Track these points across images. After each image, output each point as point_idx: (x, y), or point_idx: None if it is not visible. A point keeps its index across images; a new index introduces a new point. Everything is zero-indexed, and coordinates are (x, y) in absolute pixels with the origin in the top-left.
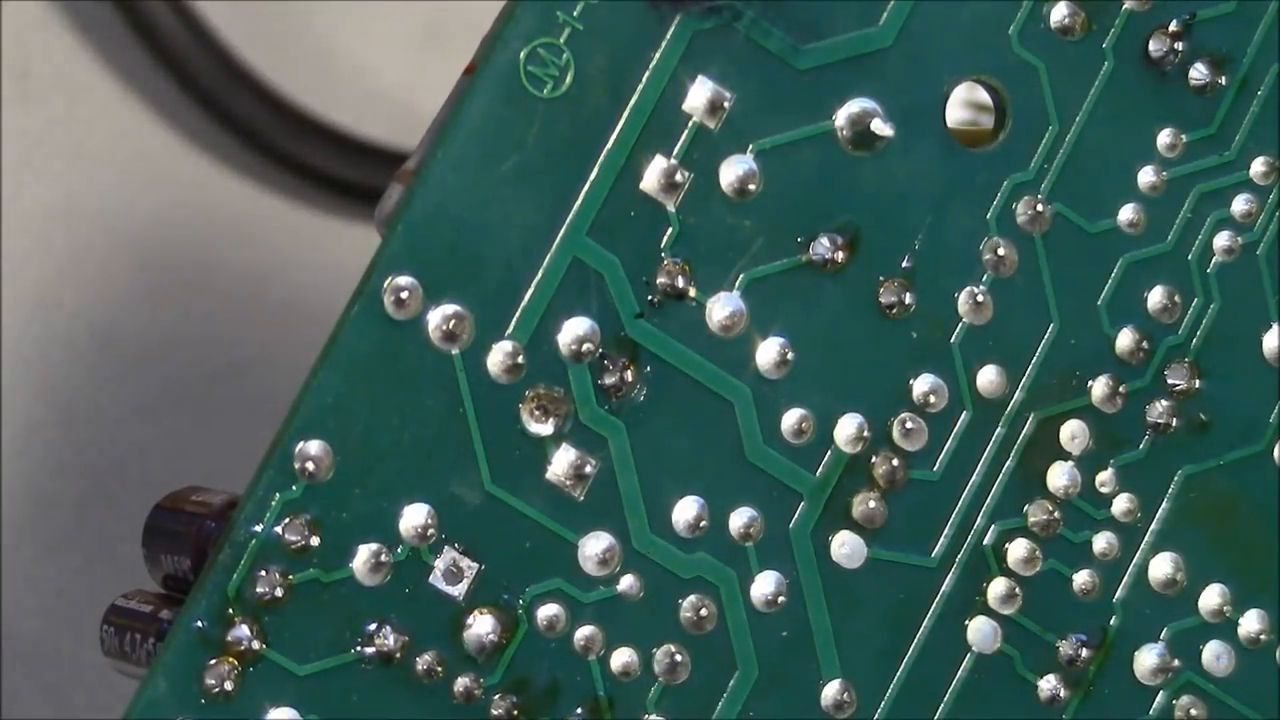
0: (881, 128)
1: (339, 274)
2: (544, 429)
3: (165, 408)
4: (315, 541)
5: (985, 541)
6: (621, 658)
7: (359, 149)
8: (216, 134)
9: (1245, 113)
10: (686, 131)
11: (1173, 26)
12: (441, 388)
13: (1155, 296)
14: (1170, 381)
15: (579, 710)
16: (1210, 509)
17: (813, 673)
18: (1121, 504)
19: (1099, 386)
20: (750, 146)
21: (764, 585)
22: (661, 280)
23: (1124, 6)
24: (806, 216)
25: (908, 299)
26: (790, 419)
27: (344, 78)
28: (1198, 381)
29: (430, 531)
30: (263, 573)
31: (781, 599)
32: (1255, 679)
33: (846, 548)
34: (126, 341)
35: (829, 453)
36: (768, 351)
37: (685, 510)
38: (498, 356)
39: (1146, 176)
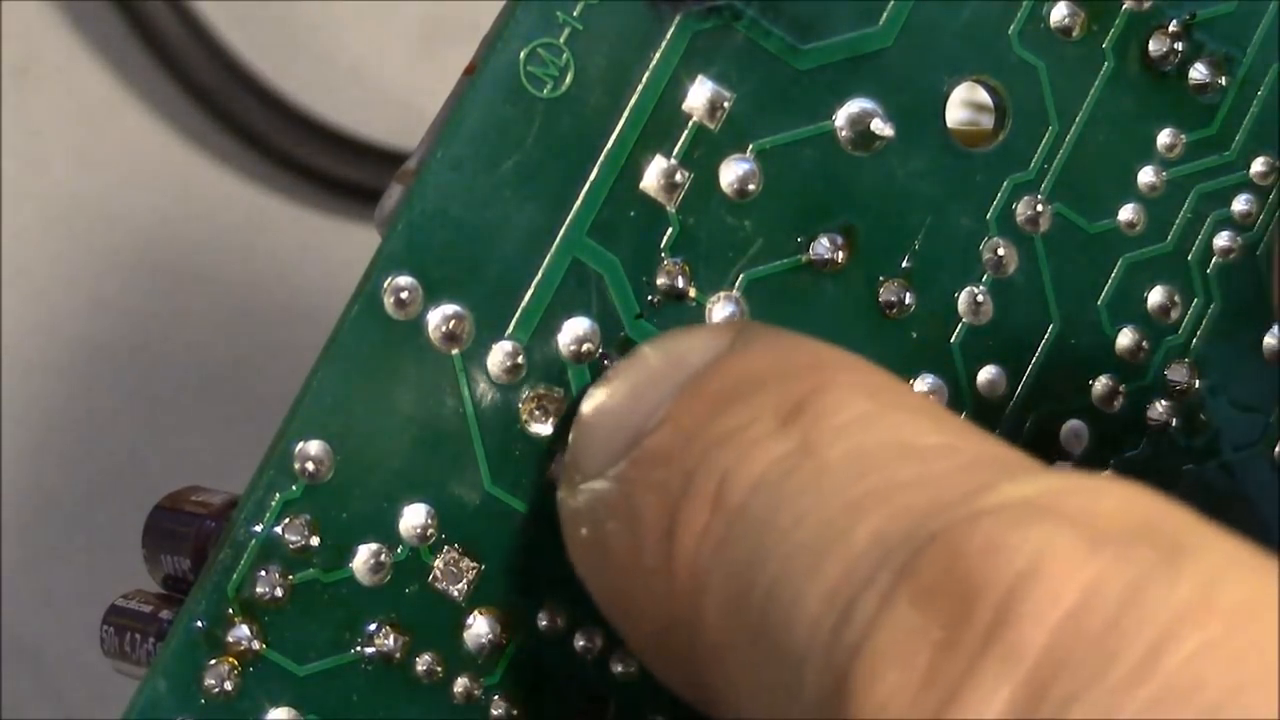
0: (881, 128)
1: (339, 274)
2: (544, 429)
3: (165, 408)
4: (315, 541)
5: None
6: (622, 658)
7: (359, 149)
8: (216, 134)
9: (1245, 113)
10: (686, 131)
11: (1173, 26)
12: (441, 388)
13: (1155, 296)
14: (1170, 381)
15: (579, 710)
16: (1210, 509)
17: None
18: None
19: (1099, 386)
20: (750, 146)
21: None
22: (661, 281)
23: (1124, 6)
24: (806, 217)
25: (908, 299)
26: None
27: (344, 78)
28: (1198, 381)
29: (430, 531)
30: (263, 573)
31: None
32: None
33: None
34: (126, 341)
35: None
36: None
37: None
38: (498, 356)
39: (1146, 176)
